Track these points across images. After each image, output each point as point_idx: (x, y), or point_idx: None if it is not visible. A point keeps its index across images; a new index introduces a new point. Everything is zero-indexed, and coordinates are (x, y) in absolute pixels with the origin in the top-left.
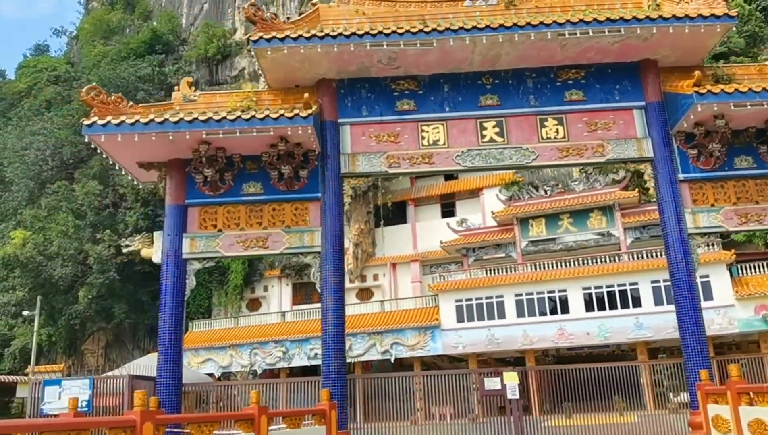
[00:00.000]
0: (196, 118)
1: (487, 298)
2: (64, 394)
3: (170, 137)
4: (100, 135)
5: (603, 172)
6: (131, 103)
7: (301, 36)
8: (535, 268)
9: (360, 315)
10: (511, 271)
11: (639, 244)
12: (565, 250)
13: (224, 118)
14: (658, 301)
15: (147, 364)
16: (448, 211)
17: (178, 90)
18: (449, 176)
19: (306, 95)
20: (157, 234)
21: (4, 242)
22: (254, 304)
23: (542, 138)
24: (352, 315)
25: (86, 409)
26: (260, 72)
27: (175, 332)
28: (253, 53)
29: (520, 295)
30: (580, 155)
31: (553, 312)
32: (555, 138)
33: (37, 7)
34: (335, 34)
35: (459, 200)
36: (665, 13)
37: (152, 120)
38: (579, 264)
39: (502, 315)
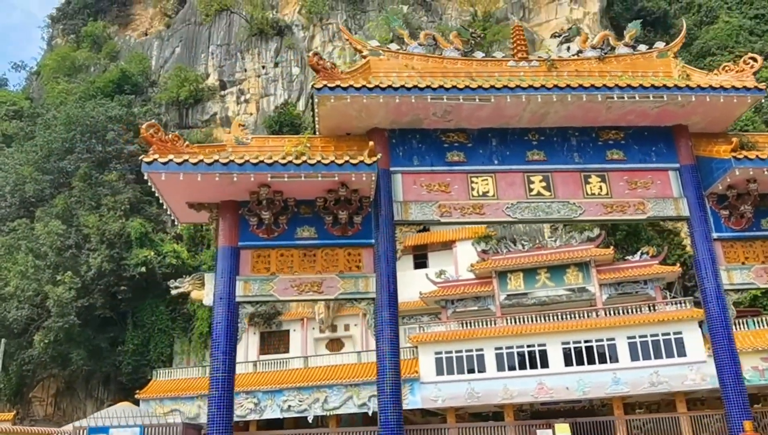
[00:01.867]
0: (262, 161)
1: (467, 350)
2: None
3: (234, 178)
4: (160, 173)
5: (578, 229)
6: (188, 142)
7: (364, 86)
8: (514, 322)
9: (334, 366)
10: (490, 324)
11: (612, 301)
12: (538, 304)
13: (290, 162)
14: (634, 357)
15: (118, 415)
16: (420, 263)
17: (229, 132)
18: (422, 228)
19: (371, 143)
20: (208, 276)
21: None
22: None
23: (587, 194)
24: (326, 366)
25: None
26: (232, 117)
27: (228, 378)
28: (315, 100)
29: (500, 348)
30: (623, 212)
31: (533, 366)
32: (599, 194)
33: (11, 18)
34: (397, 86)
35: (432, 252)
36: (702, 84)
37: (216, 160)
38: (557, 318)
39: (482, 368)
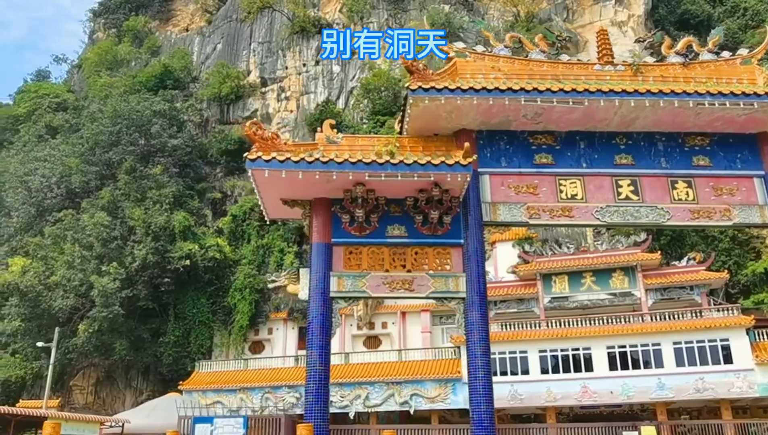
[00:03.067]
0: (361, 160)
1: (510, 352)
2: (216, 432)
3: (333, 176)
4: (263, 170)
5: (625, 233)
6: (285, 141)
7: (458, 88)
8: (558, 325)
9: (375, 363)
10: (533, 327)
11: (657, 306)
12: (580, 307)
13: (388, 162)
14: (679, 363)
15: (168, 405)
16: None
17: (320, 131)
18: None
19: (467, 144)
20: (303, 271)
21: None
22: (257, 347)
23: (674, 199)
24: (366, 363)
25: None
26: (272, 114)
27: (324, 371)
28: (409, 98)
29: (544, 351)
30: (709, 217)
31: (577, 369)
32: (686, 200)
33: (9, 33)
34: (491, 88)
35: None
36: None
37: (317, 159)
38: (602, 322)
39: (525, 370)
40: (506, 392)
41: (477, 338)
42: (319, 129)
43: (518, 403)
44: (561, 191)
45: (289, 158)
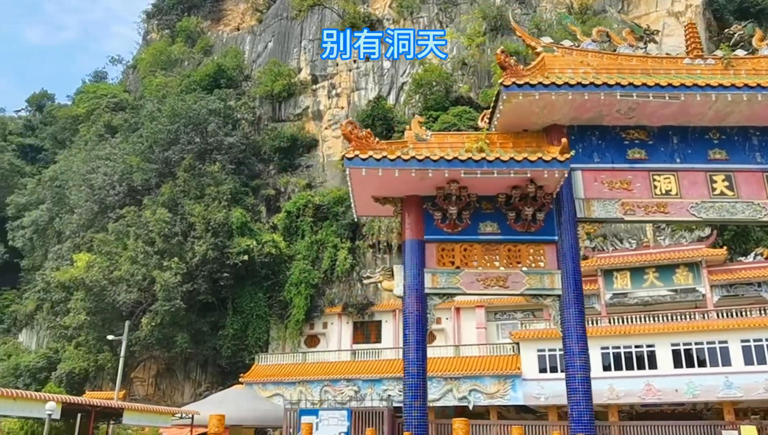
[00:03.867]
0: (456, 158)
1: None
2: (321, 425)
3: (429, 174)
4: (360, 168)
5: (688, 229)
6: (377, 139)
7: (553, 83)
8: (621, 322)
9: (431, 359)
10: (595, 323)
11: (722, 303)
12: (641, 304)
13: (483, 159)
14: (748, 361)
15: (231, 397)
16: None
17: (410, 129)
18: None
19: (564, 140)
20: (397, 267)
21: (59, 264)
22: (312, 341)
23: None
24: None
25: None
26: (323, 111)
27: (421, 365)
28: (502, 94)
29: (606, 348)
30: None
31: (641, 367)
32: None
33: (62, 35)
34: (586, 82)
35: None
36: None
37: (413, 157)
38: (666, 319)
39: None
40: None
41: (575, 336)
42: (408, 127)
43: None
44: (655, 187)
45: (385, 156)
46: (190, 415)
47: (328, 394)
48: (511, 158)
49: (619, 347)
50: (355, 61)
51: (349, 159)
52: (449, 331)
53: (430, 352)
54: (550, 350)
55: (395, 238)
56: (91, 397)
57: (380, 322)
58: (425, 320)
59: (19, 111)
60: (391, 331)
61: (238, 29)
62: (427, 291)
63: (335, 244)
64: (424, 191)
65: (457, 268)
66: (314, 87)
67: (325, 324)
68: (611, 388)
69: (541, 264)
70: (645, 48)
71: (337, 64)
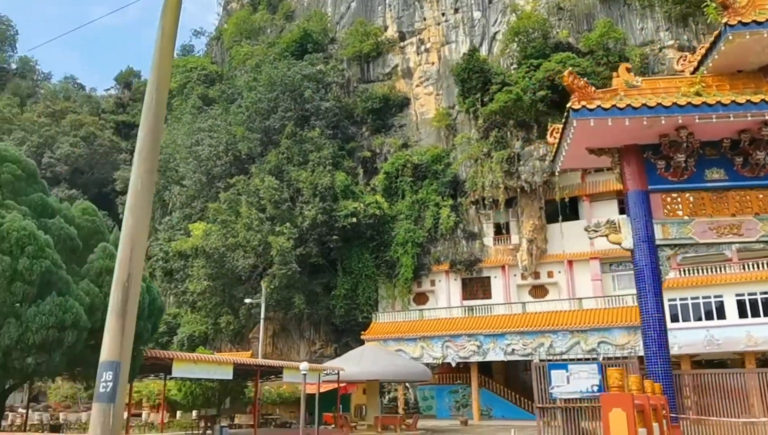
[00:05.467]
0: (690, 103)
1: (704, 297)
2: (572, 379)
3: (662, 121)
4: (588, 119)
5: None
6: (595, 89)
7: None
8: (756, 267)
9: (551, 313)
10: (727, 270)
11: None
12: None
13: (718, 102)
14: None
15: (367, 354)
16: (625, 208)
17: (617, 76)
18: None
19: None
20: (623, 219)
21: (171, 235)
22: (421, 298)
23: None
24: (543, 312)
25: (598, 393)
26: (413, 68)
27: (660, 319)
28: (727, 35)
29: (741, 294)
30: None
31: None
32: None
33: (127, 15)
34: None
35: None
36: None
37: (643, 104)
38: None
39: (721, 315)
40: (701, 337)
41: None
42: (615, 74)
43: (714, 348)
44: None
45: (614, 105)
46: (336, 371)
47: (450, 349)
48: (748, 100)
49: (755, 293)
50: (443, 14)
51: (575, 110)
52: (563, 284)
53: (546, 306)
54: (681, 299)
55: (501, 194)
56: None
57: (489, 278)
58: (659, 272)
59: (109, 90)
60: (501, 287)
61: None
62: (658, 242)
63: (437, 202)
64: (645, 140)
65: (688, 217)
66: (402, 44)
67: (432, 282)
68: (748, 335)
69: None
70: None
71: (425, 19)
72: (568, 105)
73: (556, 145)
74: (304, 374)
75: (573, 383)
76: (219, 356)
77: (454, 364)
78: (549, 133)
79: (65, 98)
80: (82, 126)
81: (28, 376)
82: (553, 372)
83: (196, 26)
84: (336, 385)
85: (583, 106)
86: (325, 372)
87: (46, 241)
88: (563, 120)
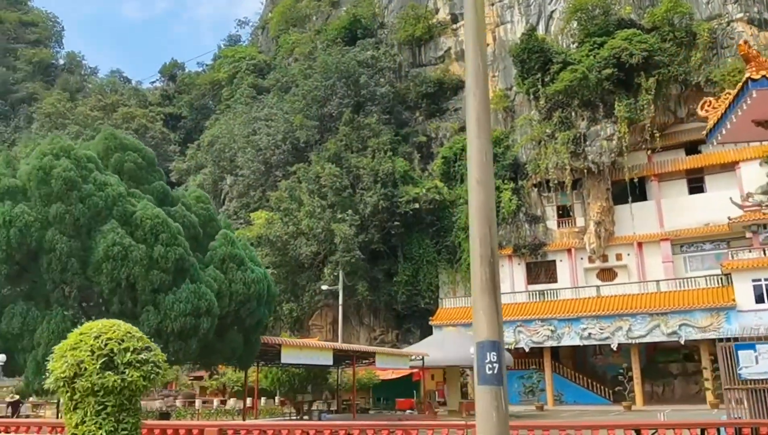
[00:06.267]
0: None
1: None
2: (761, 358)
3: None
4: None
5: None
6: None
7: None
8: None
9: (621, 296)
10: None
11: None
12: None
13: None
14: None
15: (449, 339)
16: (696, 187)
17: (746, 45)
18: (691, 150)
19: None
20: None
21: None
22: None
23: None
24: (612, 296)
25: None
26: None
27: None
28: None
29: None
30: None
31: None
32: None
33: (156, 8)
34: None
35: (708, 175)
36: None
37: None
38: None
39: None
40: None
41: None
42: (742, 42)
43: None
44: None
45: None
46: (421, 357)
47: (522, 334)
48: None
49: None
50: None
51: (755, 80)
52: (632, 267)
53: (620, 289)
54: (766, 280)
55: (568, 176)
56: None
57: (554, 261)
58: None
59: (154, 82)
60: (567, 270)
61: None
62: None
63: (497, 185)
64: None
65: None
66: (454, 26)
67: None
68: None
69: None
70: None
71: None
72: (746, 76)
73: (716, 118)
74: (419, 358)
75: (761, 363)
76: (319, 342)
77: (527, 349)
78: (700, 106)
79: (113, 92)
80: (134, 118)
81: (173, 363)
82: (740, 352)
83: (240, 16)
84: (408, 372)
85: (763, 76)
86: (412, 357)
87: (177, 229)
88: (737, 90)
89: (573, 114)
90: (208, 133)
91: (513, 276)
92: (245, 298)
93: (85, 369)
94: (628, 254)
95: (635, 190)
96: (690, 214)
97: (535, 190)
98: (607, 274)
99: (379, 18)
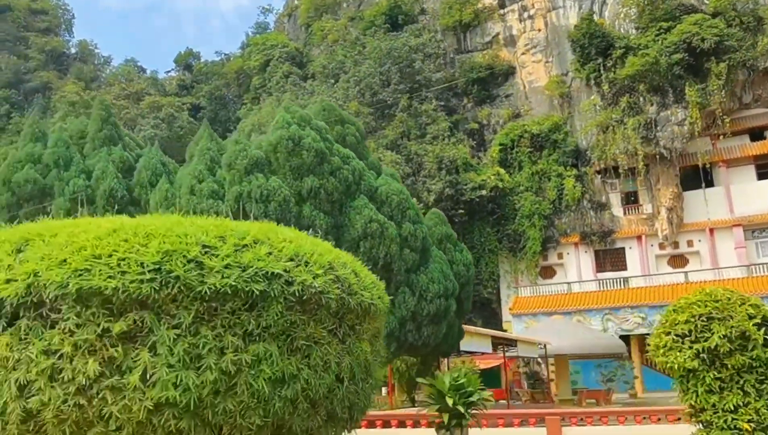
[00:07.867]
0: None
1: None
2: None
3: None
4: None
5: None
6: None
7: None
8: None
9: (712, 281)
10: None
11: None
12: None
13: None
14: None
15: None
16: (764, 173)
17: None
18: (756, 136)
19: None
20: None
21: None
22: (547, 272)
23: None
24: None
25: None
26: (517, 36)
27: None
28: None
29: None
30: None
31: None
32: None
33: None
34: None
35: None
36: None
37: None
38: None
39: None
40: None
41: None
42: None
43: None
44: None
45: None
46: (543, 345)
47: (611, 322)
48: None
49: None
50: None
51: None
52: (704, 254)
53: (702, 276)
54: None
55: (640, 161)
56: None
57: (623, 248)
58: None
59: (169, 72)
60: (637, 258)
61: None
62: None
63: (559, 172)
64: None
65: None
66: (502, 11)
67: (560, 255)
68: None
69: None
70: None
71: None
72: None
73: None
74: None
75: None
76: (482, 329)
77: (617, 337)
78: None
79: (128, 81)
80: (161, 108)
81: (418, 350)
82: None
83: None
84: (498, 362)
85: None
86: (540, 345)
87: (415, 205)
88: None
89: (641, 99)
90: (248, 122)
91: (579, 264)
92: (466, 280)
93: None
94: (700, 240)
95: (706, 177)
96: (760, 199)
97: (599, 176)
98: (679, 261)
99: (420, 3)
